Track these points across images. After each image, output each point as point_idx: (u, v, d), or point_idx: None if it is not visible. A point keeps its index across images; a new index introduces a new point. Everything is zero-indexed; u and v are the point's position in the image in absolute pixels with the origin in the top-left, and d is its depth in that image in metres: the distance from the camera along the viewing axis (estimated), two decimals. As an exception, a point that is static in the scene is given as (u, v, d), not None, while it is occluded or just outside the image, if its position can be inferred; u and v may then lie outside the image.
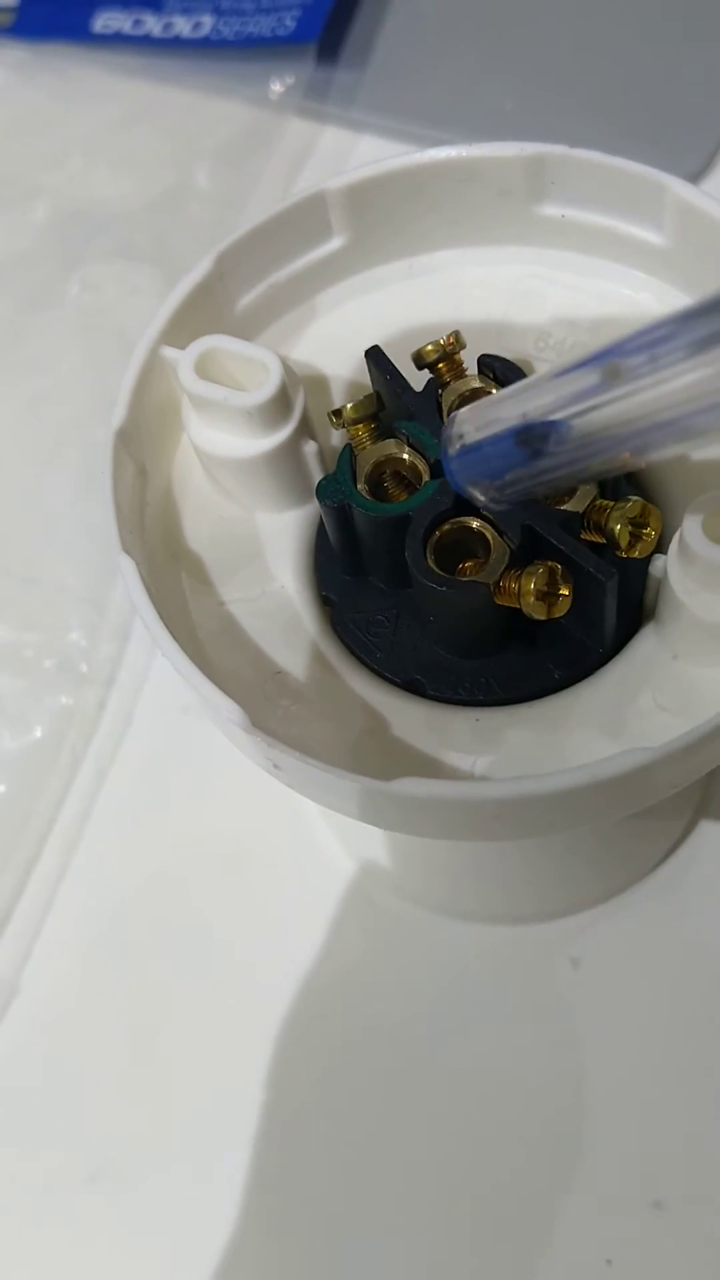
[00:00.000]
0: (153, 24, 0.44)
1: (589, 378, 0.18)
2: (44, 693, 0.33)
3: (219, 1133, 0.28)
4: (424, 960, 0.29)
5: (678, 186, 0.22)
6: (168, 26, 0.43)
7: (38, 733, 0.33)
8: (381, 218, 0.24)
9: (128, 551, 0.21)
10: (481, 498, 0.20)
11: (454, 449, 0.20)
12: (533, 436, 0.19)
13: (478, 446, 0.20)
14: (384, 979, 0.29)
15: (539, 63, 0.41)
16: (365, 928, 0.30)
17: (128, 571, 0.21)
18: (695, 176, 0.37)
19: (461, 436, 0.20)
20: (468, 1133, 0.28)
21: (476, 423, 0.20)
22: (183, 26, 0.43)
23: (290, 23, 0.42)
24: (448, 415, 0.21)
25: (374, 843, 0.30)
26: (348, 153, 0.41)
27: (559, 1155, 0.27)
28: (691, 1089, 0.27)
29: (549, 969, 0.29)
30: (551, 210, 0.24)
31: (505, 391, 0.20)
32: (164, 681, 0.34)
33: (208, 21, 0.43)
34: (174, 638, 0.20)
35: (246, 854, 0.31)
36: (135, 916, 0.31)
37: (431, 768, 0.21)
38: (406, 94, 0.41)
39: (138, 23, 0.44)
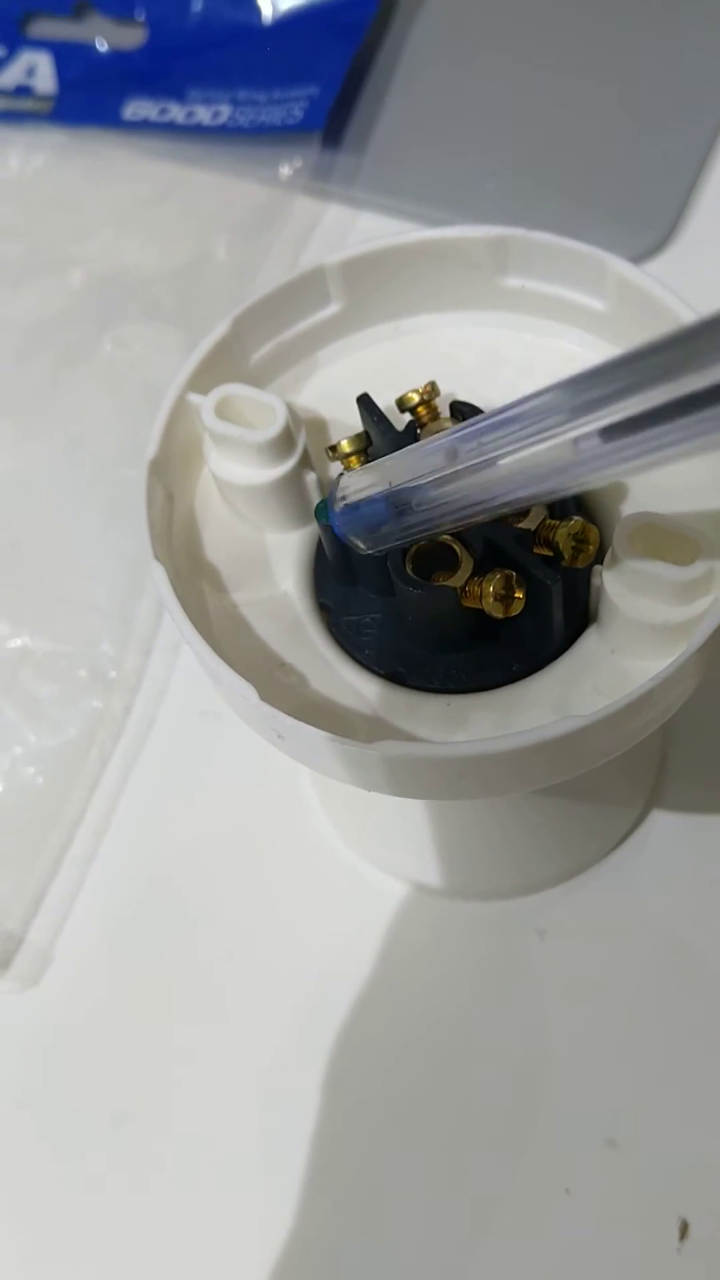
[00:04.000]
0: (177, 112, 0.46)
1: (438, 456, 0.21)
2: (77, 697, 0.36)
3: (227, 1083, 0.31)
4: (408, 931, 0.32)
5: (615, 263, 0.25)
6: (190, 115, 0.46)
7: (71, 733, 0.35)
8: (372, 287, 0.27)
9: (159, 559, 0.24)
10: (361, 544, 0.24)
11: (338, 507, 0.24)
12: (399, 499, 0.22)
13: (356, 505, 0.23)
14: (372, 948, 0.32)
15: (518, 149, 0.43)
16: (358, 905, 0.32)
17: (159, 576, 0.23)
18: (653, 250, 0.40)
19: (344, 498, 0.23)
20: (442, 1081, 0.30)
21: (356, 486, 0.23)
22: (203, 115, 0.45)
23: (298, 112, 0.44)
24: None
25: (366, 828, 0.33)
26: (348, 228, 0.43)
27: (524, 1101, 0.30)
28: (641, 1044, 0.30)
29: (519, 939, 0.31)
30: (513, 282, 0.27)
31: (378, 462, 0.23)
32: (183, 688, 0.36)
33: (225, 111, 0.45)
34: (197, 629, 0.23)
35: (254, 841, 0.34)
36: (156, 894, 0.34)
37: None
38: (401, 175, 0.43)
39: (163, 111, 0.46)
